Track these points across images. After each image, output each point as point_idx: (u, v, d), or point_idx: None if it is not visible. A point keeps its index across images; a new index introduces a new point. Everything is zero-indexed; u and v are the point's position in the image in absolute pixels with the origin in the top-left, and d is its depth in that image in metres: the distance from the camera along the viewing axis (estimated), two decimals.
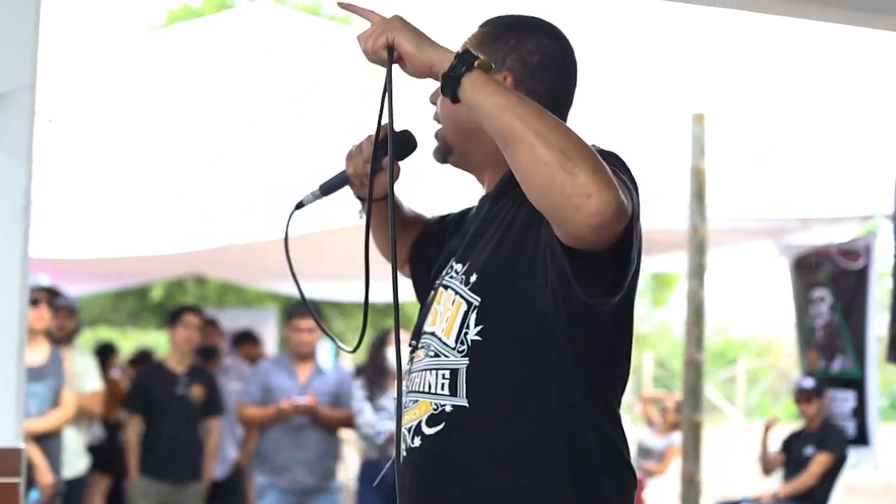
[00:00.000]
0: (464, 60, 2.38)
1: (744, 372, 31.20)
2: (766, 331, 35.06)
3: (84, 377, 8.26)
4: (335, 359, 14.85)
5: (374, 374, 8.17)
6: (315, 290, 12.36)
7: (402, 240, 3.06)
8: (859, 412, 9.25)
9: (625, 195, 2.26)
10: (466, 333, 2.53)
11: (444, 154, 2.76)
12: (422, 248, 3.05)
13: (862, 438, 9.23)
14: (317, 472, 8.14)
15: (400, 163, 2.81)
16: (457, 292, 2.58)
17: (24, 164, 3.83)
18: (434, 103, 2.78)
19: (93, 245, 9.26)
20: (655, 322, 33.81)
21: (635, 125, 7.51)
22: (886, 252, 9.21)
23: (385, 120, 2.56)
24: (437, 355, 2.58)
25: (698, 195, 8.06)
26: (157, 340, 22.47)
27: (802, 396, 9.37)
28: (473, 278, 2.55)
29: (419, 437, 2.56)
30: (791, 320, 10.45)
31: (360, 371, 8.31)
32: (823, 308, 9.59)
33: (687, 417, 8.32)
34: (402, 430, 2.62)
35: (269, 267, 10.97)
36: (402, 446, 2.61)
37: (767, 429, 9.84)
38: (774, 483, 9.61)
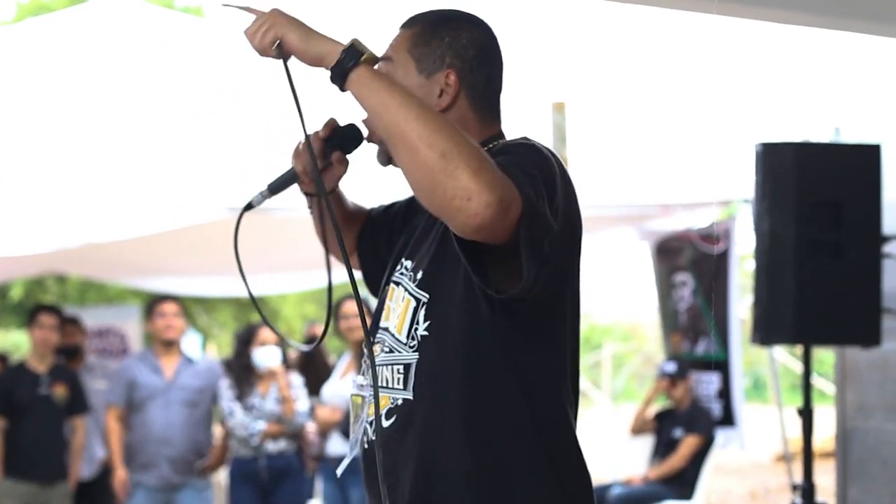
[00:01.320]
0: (351, 55, 2.43)
1: (609, 357, 31.53)
2: (630, 316, 35.44)
3: None
4: (203, 349, 14.73)
5: (241, 372, 8.10)
6: (178, 286, 12.24)
7: (346, 233, 3.09)
8: (724, 393, 9.39)
9: (521, 190, 2.34)
10: (416, 329, 2.63)
11: (389, 157, 2.72)
12: (368, 239, 3.10)
13: (728, 419, 9.37)
14: (185, 469, 8.08)
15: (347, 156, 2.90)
16: (406, 289, 2.68)
17: None
18: None
19: None
20: None
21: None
22: (745, 235, 9.36)
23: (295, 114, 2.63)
24: (391, 351, 2.68)
25: None
26: (19, 340, 22.09)
27: (667, 380, 9.49)
28: (420, 275, 2.66)
29: (378, 430, 2.62)
30: (654, 305, 10.58)
31: (227, 369, 8.23)
32: (686, 292, 9.72)
33: None
34: (364, 423, 2.72)
35: (130, 263, 10.84)
36: (364, 438, 2.72)
37: (656, 387, 9.94)
38: (642, 466, 9.72)
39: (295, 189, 2.98)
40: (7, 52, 8.09)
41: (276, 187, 2.90)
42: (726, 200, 9.42)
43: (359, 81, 2.43)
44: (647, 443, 9.86)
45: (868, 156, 5.87)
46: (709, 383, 9.52)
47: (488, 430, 2.56)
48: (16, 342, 21.70)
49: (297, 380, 8.26)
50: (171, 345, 8.25)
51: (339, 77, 2.45)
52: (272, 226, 9.07)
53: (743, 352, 9.68)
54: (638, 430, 9.95)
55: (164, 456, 8.02)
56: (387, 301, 2.75)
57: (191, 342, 8.82)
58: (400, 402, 2.62)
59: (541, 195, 2.41)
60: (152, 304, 8.46)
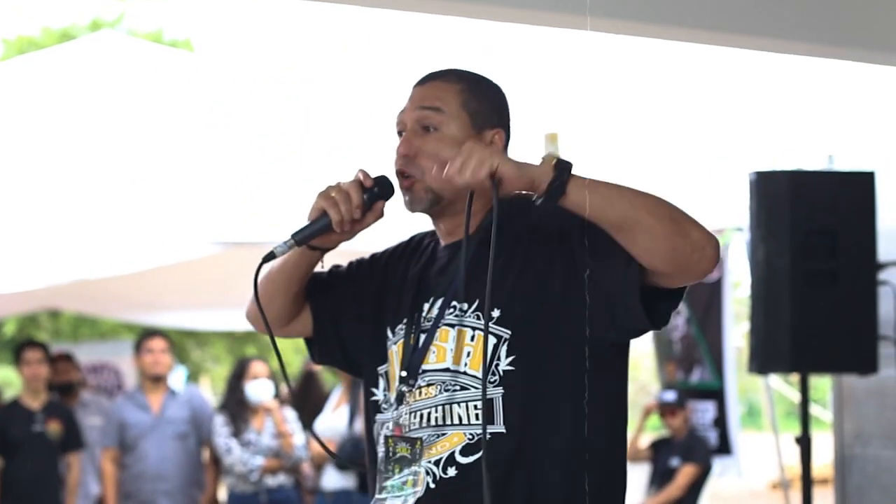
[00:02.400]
0: (564, 169, 2.53)
1: None
2: None
3: None
4: (187, 383, 14.73)
5: (236, 408, 8.08)
6: (172, 320, 12.23)
7: (300, 296, 3.04)
8: (720, 422, 9.37)
9: None
10: (497, 365, 2.69)
11: (431, 203, 2.82)
12: (323, 300, 3.05)
13: (724, 447, 9.35)
14: (182, 501, 8.06)
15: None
16: (474, 328, 2.73)
17: None
18: (406, 156, 2.82)
19: None
20: None
21: None
22: (738, 263, 9.36)
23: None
24: (463, 388, 2.72)
25: None
26: (11, 377, 22.06)
27: (666, 409, 9.45)
28: (496, 313, 2.70)
29: (453, 467, 2.69)
30: (648, 334, 10.53)
31: (222, 406, 8.20)
32: (680, 321, 9.71)
33: None
34: (427, 463, 2.72)
35: (123, 298, 10.82)
36: (428, 479, 2.72)
37: (647, 414, 9.91)
38: (639, 495, 9.69)
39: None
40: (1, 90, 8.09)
41: (305, 237, 2.81)
42: (719, 229, 9.39)
43: (578, 191, 2.53)
44: (642, 472, 9.83)
45: (862, 183, 5.88)
46: (704, 412, 9.50)
47: (588, 455, 2.67)
48: (7, 378, 21.65)
49: (290, 414, 8.24)
50: (158, 380, 8.24)
51: (558, 191, 2.53)
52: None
53: (737, 379, 9.66)
54: (630, 459, 9.88)
55: (162, 492, 8.01)
56: (433, 343, 2.77)
57: (176, 376, 8.83)
58: (487, 437, 2.63)
59: None
60: (140, 339, 8.46)
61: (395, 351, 2.86)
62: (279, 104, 8.35)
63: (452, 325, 2.76)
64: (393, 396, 2.82)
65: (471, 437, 2.68)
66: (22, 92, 8.12)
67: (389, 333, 2.90)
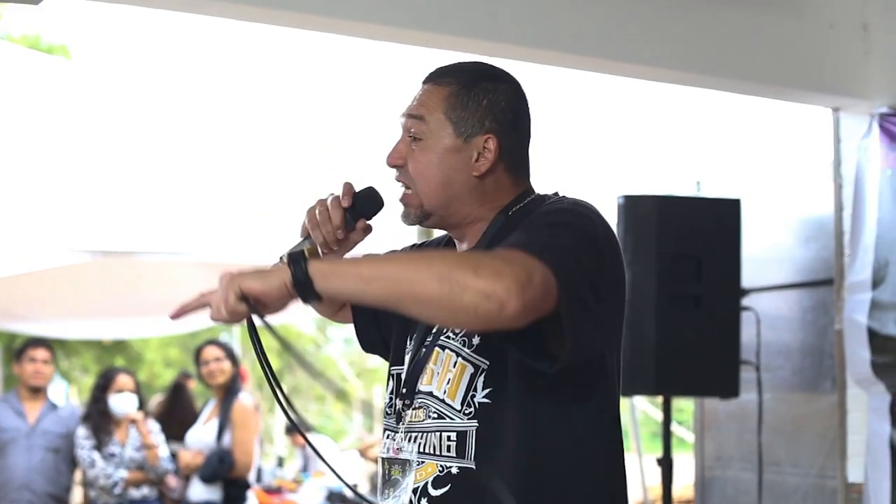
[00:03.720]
0: (296, 262, 2.36)
1: None
2: None
3: None
4: (67, 397, 14.53)
5: (99, 419, 7.98)
6: (39, 329, 12.06)
7: None
8: None
9: (543, 259, 2.30)
10: (474, 396, 2.54)
11: (421, 219, 2.68)
12: None
13: None
14: None
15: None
16: (458, 354, 2.57)
17: None
18: (396, 166, 2.68)
19: None
20: None
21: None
22: None
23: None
24: (440, 417, 2.58)
25: None
26: None
27: None
28: (476, 340, 2.55)
29: (426, 499, 2.56)
30: None
31: (84, 418, 8.08)
32: None
33: None
34: (401, 491, 2.62)
35: None
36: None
37: None
38: None
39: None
40: None
41: None
42: None
43: (323, 278, 2.35)
44: None
45: (728, 210, 5.99)
46: None
47: (554, 495, 2.52)
48: None
49: (154, 426, 8.17)
50: (37, 391, 8.12)
51: (305, 286, 2.35)
52: (136, 269, 9.00)
53: None
54: None
55: (26, 501, 7.88)
56: (429, 363, 2.63)
57: (57, 389, 8.68)
58: (454, 470, 2.54)
59: (572, 259, 2.38)
60: (23, 347, 8.32)
61: (407, 361, 2.73)
62: (154, 112, 8.31)
63: (443, 348, 2.61)
64: (394, 409, 2.71)
65: (441, 469, 2.56)
66: None
67: (409, 340, 2.75)
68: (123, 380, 8.08)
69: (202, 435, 7.93)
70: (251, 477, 8.21)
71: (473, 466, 2.52)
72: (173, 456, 8.14)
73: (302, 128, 7.87)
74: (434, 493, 2.56)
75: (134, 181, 7.72)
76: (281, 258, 2.54)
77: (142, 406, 8.17)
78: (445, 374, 2.59)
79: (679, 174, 7.92)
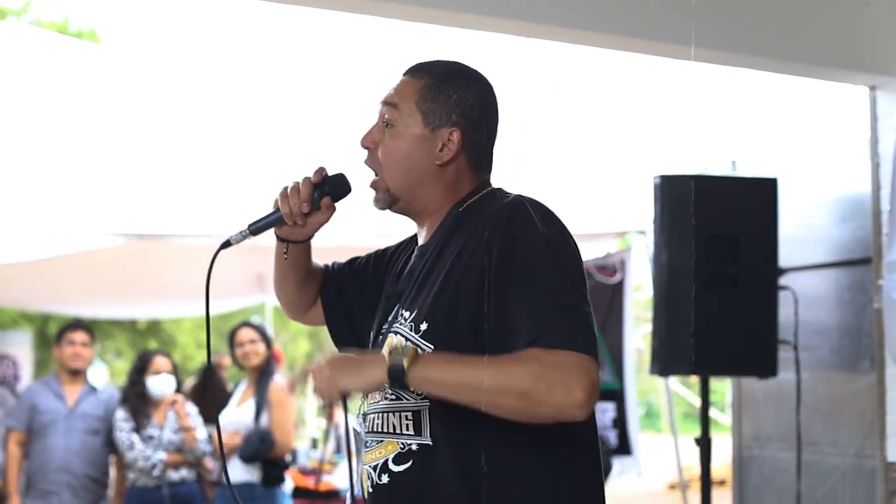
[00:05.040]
0: (395, 374, 2.54)
1: None
2: None
3: None
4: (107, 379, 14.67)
5: (137, 402, 8.00)
6: (72, 311, 12.11)
7: (308, 287, 3.16)
8: (620, 422, 9.44)
9: (581, 349, 2.53)
10: None
11: (388, 203, 2.86)
12: (334, 295, 3.16)
13: (624, 447, 9.42)
14: (85, 497, 7.97)
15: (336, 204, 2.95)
16: (407, 339, 2.70)
17: None
18: (368, 148, 2.86)
19: None
20: None
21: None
22: (639, 266, 9.45)
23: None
24: (397, 398, 2.73)
25: None
26: None
27: None
28: (423, 326, 2.69)
29: (387, 475, 2.73)
30: None
31: (122, 401, 8.11)
32: None
33: None
34: (367, 467, 2.79)
35: (23, 288, 10.72)
36: (367, 483, 2.79)
37: None
38: None
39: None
40: None
41: (259, 228, 2.91)
42: (622, 232, 9.50)
43: (418, 385, 2.56)
44: None
45: (765, 189, 5.95)
46: (604, 412, 9.57)
47: (513, 469, 2.64)
48: None
49: (191, 408, 8.20)
50: (77, 373, 8.14)
51: (400, 384, 2.56)
52: (168, 252, 9.03)
53: (636, 381, 9.75)
54: None
55: (65, 483, 7.91)
56: (384, 349, 2.75)
57: (96, 371, 8.72)
58: (415, 447, 2.69)
59: (586, 317, 2.64)
60: (62, 330, 8.33)
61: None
62: (185, 96, 8.32)
63: (396, 333, 2.75)
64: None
65: (402, 446, 2.71)
66: None
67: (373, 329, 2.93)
68: (161, 361, 8.11)
69: (237, 416, 7.94)
70: (287, 457, 8.24)
71: (430, 443, 2.68)
72: (209, 437, 8.16)
73: (330, 114, 7.84)
74: (395, 468, 2.72)
75: (166, 165, 7.75)
76: (249, 227, 2.87)
77: (179, 388, 8.20)
78: None
79: (714, 153, 7.88)
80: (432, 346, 2.65)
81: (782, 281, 6.12)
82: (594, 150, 8.57)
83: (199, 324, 20.73)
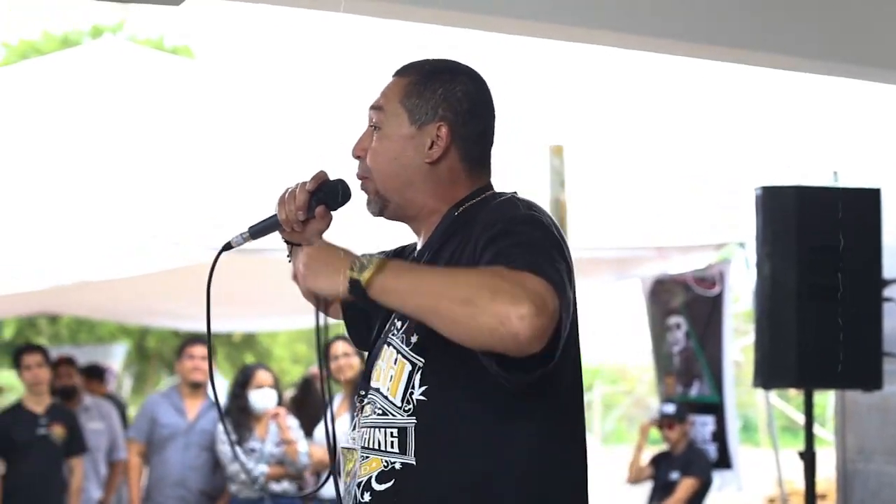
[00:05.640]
0: (354, 288, 2.43)
1: (599, 399, 31.46)
2: (617, 358, 35.43)
3: None
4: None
5: (239, 415, 8.05)
6: (169, 324, 12.22)
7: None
8: (719, 435, 9.37)
9: (546, 277, 2.35)
10: (412, 393, 2.58)
11: (380, 206, 2.75)
12: None
13: (724, 461, 9.34)
14: None
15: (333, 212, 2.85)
16: (399, 351, 2.62)
17: None
18: (358, 157, 2.76)
19: None
20: None
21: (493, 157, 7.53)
22: (739, 278, 9.36)
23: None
24: (384, 413, 2.63)
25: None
26: (11, 380, 22.09)
27: (665, 422, 9.41)
28: (414, 338, 2.60)
29: (368, 493, 2.63)
30: (647, 347, 10.56)
31: (224, 414, 8.17)
32: (679, 335, 9.71)
33: None
34: (352, 484, 2.69)
35: (121, 302, 10.83)
36: (349, 500, 2.70)
37: (643, 432, 9.86)
38: None
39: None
40: (2, 95, 8.10)
41: (257, 232, 2.88)
42: (721, 244, 9.43)
43: (377, 296, 2.42)
44: (641, 486, 9.79)
45: (868, 200, 5.87)
46: (703, 425, 9.50)
47: (495, 495, 2.53)
48: (7, 382, 21.68)
49: (293, 422, 8.23)
50: (197, 387, 8.25)
51: (363, 296, 2.45)
52: (263, 266, 9.07)
53: (735, 394, 9.68)
54: (635, 479, 9.81)
55: (179, 497, 8.00)
56: (378, 360, 2.70)
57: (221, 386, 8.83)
58: (398, 466, 2.59)
59: (558, 270, 2.44)
60: (182, 345, 8.45)
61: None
62: (279, 109, 8.36)
63: (389, 345, 2.67)
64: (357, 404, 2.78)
65: (385, 464, 2.61)
66: (24, 97, 8.13)
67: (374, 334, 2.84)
68: (263, 375, 8.16)
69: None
70: None
71: (414, 462, 2.57)
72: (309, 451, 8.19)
73: None
74: (377, 487, 2.62)
75: (263, 178, 7.78)
76: (249, 230, 2.83)
77: (280, 401, 8.25)
78: (388, 371, 2.65)
79: (816, 164, 7.80)
80: (423, 360, 2.57)
81: (886, 292, 6.03)
82: (694, 161, 8.52)
83: (294, 337, 20.86)
